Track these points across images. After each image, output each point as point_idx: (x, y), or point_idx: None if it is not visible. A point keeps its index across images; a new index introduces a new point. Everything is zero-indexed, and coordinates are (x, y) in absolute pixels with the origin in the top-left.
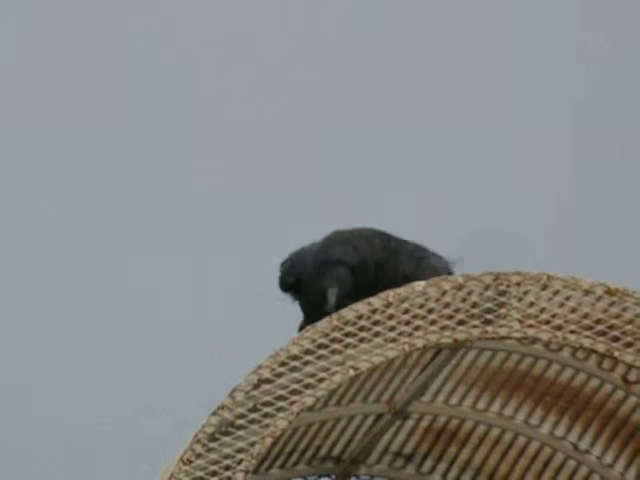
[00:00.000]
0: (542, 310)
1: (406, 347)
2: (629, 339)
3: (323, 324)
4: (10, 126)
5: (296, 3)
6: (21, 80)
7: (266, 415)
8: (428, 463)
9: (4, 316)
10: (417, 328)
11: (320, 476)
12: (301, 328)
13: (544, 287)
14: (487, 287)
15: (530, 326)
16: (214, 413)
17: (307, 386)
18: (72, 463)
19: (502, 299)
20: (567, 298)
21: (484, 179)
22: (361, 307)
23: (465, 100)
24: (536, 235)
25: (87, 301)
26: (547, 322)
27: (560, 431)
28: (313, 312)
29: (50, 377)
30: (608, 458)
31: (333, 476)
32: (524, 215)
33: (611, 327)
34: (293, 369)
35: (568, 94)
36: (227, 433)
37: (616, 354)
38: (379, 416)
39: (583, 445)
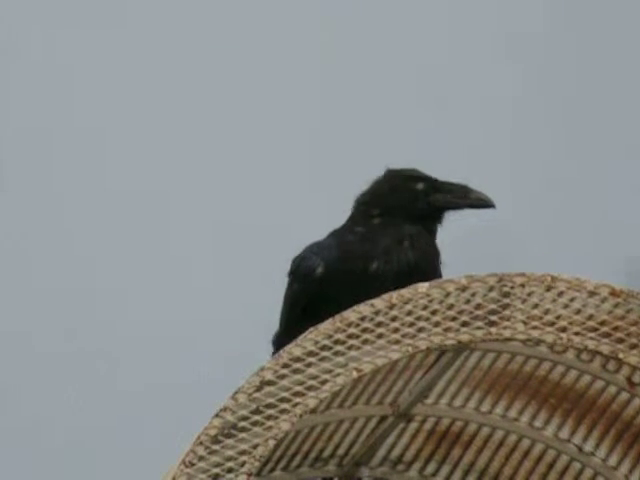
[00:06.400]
0: (546, 311)
1: (410, 349)
2: (634, 340)
3: (326, 325)
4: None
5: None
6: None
7: (269, 417)
8: (432, 465)
9: None
10: (421, 330)
11: (323, 478)
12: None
13: (548, 288)
14: (491, 288)
15: (534, 328)
16: (216, 415)
17: (310, 388)
18: (71, 464)
19: (506, 300)
20: (571, 299)
21: (483, 178)
22: (364, 309)
23: (465, 101)
24: (538, 233)
25: (85, 301)
26: (551, 324)
27: (564, 433)
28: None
29: (48, 376)
30: (613, 460)
31: (336, 478)
32: (525, 213)
33: (616, 329)
34: (296, 371)
35: (567, 92)
36: (230, 435)
37: (621, 356)
38: (382, 418)
39: (588, 447)
